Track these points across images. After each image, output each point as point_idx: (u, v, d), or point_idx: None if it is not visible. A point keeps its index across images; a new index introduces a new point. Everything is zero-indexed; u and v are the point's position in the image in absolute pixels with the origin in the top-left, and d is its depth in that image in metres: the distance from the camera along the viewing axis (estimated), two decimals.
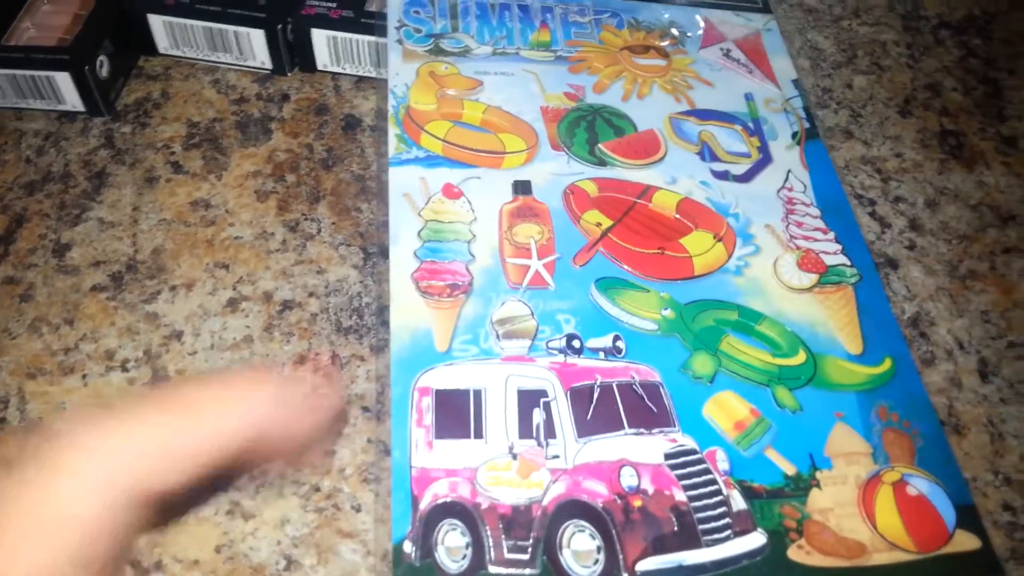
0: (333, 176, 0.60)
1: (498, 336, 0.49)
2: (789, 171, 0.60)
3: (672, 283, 0.53)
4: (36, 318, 0.53)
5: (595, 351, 0.49)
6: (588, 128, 0.61)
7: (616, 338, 0.50)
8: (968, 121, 0.68)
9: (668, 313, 0.51)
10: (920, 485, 0.46)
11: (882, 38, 0.74)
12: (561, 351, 0.49)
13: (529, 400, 0.47)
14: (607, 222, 0.55)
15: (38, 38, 0.62)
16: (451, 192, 0.55)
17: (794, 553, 0.43)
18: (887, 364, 0.51)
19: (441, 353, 0.48)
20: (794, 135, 0.62)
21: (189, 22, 0.63)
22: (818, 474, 0.46)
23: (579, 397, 0.47)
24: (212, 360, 0.52)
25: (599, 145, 0.60)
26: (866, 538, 0.44)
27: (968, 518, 0.46)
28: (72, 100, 0.61)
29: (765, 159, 0.61)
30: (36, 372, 0.51)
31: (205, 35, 0.63)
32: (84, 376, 0.51)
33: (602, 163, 0.59)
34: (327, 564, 0.45)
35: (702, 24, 0.70)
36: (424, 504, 0.44)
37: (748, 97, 0.65)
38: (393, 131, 0.58)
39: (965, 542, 0.45)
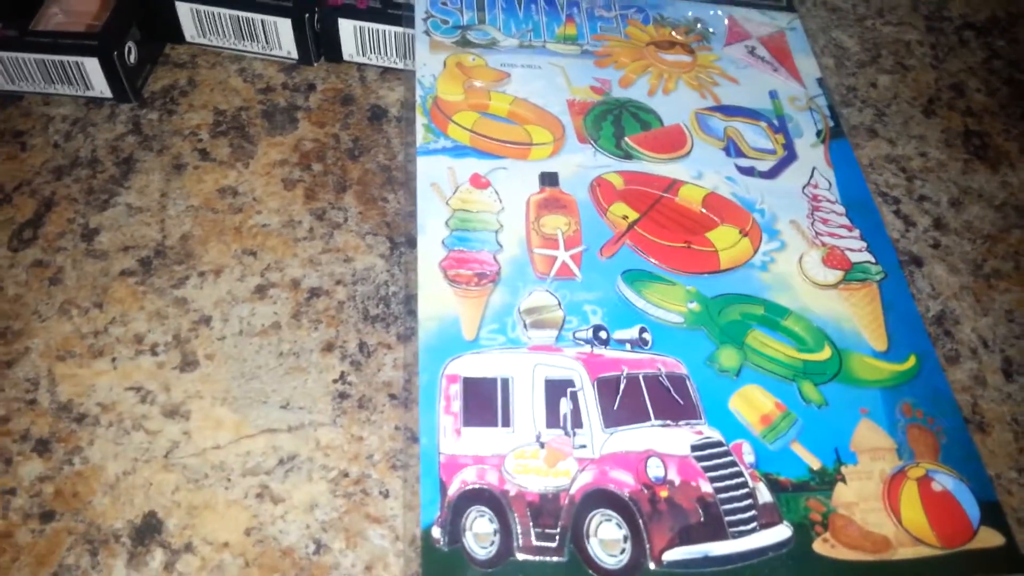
0: (359, 166, 0.60)
1: (525, 325, 0.50)
2: (814, 168, 0.60)
3: (698, 277, 0.53)
4: (65, 301, 0.53)
5: (621, 342, 0.50)
6: (614, 122, 0.61)
7: (642, 330, 0.50)
8: (992, 122, 0.68)
9: (694, 306, 0.52)
10: (945, 481, 0.46)
11: (906, 38, 0.74)
12: (588, 342, 0.49)
13: (556, 389, 0.47)
14: (633, 215, 0.56)
15: (66, 23, 0.62)
16: (478, 182, 0.56)
17: (819, 546, 0.44)
18: (912, 361, 0.51)
19: (469, 341, 0.49)
20: (819, 133, 0.62)
21: (216, 10, 0.63)
22: (843, 469, 0.46)
23: (606, 387, 0.47)
24: (241, 346, 0.52)
25: (625, 139, 0.60)
26: (891, 533, 0.44)
27: (992, 515, 0.46)
28: (100, 86, 0.61)
29: (790, 156, 0.61)
30: (66, 354, 0.51)
31: (232, 23, 0.63)
32: (114, 360, 0.51)
33: (628, 156, 0.59)
34: (356, 548, 0.45)
35: (726, 21, 0.70)
36: (452, 490, 0.44)
37: (773, 95, 0.65)
38: (421, 120, 0.59)
39: (989, 539, 0.45)
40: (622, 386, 0.47)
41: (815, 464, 0.46)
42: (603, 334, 0.50)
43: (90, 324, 0.52)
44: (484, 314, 0.50)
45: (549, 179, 0.57)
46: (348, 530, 0.45)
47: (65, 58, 0.59)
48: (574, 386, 0.47)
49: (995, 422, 0.52)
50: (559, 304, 0.51)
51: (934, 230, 0.61)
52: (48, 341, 0.51)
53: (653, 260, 0.54)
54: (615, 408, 0.46)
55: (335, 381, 0.51)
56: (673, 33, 0.68)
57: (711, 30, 0.69)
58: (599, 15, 0.68)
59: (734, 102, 0.64)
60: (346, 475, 0.47)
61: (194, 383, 0.50)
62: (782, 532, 0.44)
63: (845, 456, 0.47)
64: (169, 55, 0.66)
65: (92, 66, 0.59)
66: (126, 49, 0.60)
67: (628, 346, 0.49)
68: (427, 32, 0.64)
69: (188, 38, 0.66)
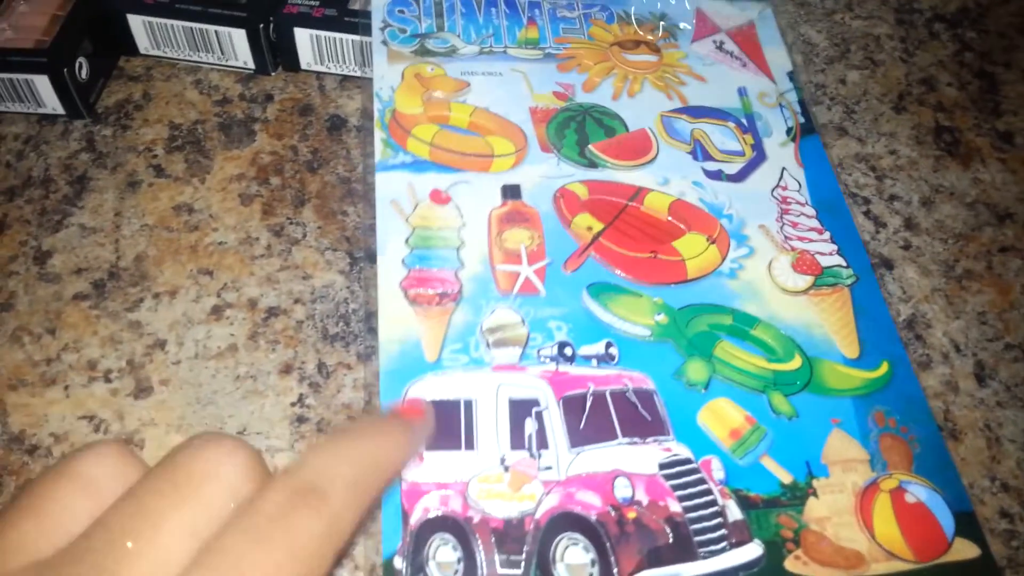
0: (318, 179, 0.59)
1: (488, 344, 0.48)
2: (784, 169, 0.59)
3: (665, 287, 0.52)
4: (17, 328, 0.52)
5: (587, 358, 0.48)
6: (578, 129, 0.60)
7: (609, 345, 0.49)
8: (963, 117, 0.68)
9: (661, 318, 0.51)
10: (918, 492, 0.46)
11: (876, 32, 0.73)
12: (553, 359, 0.48)
13: (521, 410, 0.46)
14: (598, 226, 0.54)
15: (15, 40, 0.60)
16: (439, 197, 0.54)
17: (791, 564, 0.43)
18: (884, 368, 0.50)
19: (431, 363, 0.47)
20: (789, 131, 0.61)
21: (169, 22, 0.62)
22: (815, 482, 0.45)
23: (572, 406, 0.46)
24: (196, 370, 0.51)
25: (589, 146, 0.59)
26: (864, 547, 0.44)
27: (967, 526, 0.45)
28: (51, 103, 0.59)
29: (759, 157, 0.60)
30: (18, 383, 0.50)
31: (186, 35, 0.62)
32: (66, 388, 0.50)
33: (593, 165, 0.58)
34: None
35: (693, 15, 0.69)
36: (415, 518, 0.43)
37: (741, 92, 0.64)
38: (379, 135, 0.57)
39: (964, 550, 0.44)
40: (588, 404, 0.46)
41: (786, 478, 0.45)
42: (568, 351, 0.48)
43: (42, 351, 0.51)
44: (446, 334, 0.49)
45: (511, 192, 0.55)
46: None
47: (14, 76, 0.58)
48: (539, 405, 0.46)
49: (967, 429, 0.52)
50: (523, 321, 0.50)
51: (905, 231, 0.60)
52: (0, 370, 0.50)
53: (619, 272, 0.52)
54: (581, 427, 0.45)
55: (293, 404, 0.49)
56: (638, 31, 0.67)
57: (678, 25, 0.68)
58: (561, 16, 0.67)
59: (702, 102, 0.63)
60: None
61: (148, 410, 0.49)
62: (753, 551, 0.43)
63: (816, 469, 0.46)
64: (124, 68, 0.65)
65: (42, 83, 0.58)
66: (77, 65, 0.59)
67: (594, 362, 0.48)
68: (384, 42, 0.63)
69: (142, 50, 0.64)
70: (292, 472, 0.28)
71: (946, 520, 0.45)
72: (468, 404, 0.46)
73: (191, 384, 0.50)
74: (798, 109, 0.63)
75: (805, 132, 0.62)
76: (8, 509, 0.28)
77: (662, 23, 0.68)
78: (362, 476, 0.30)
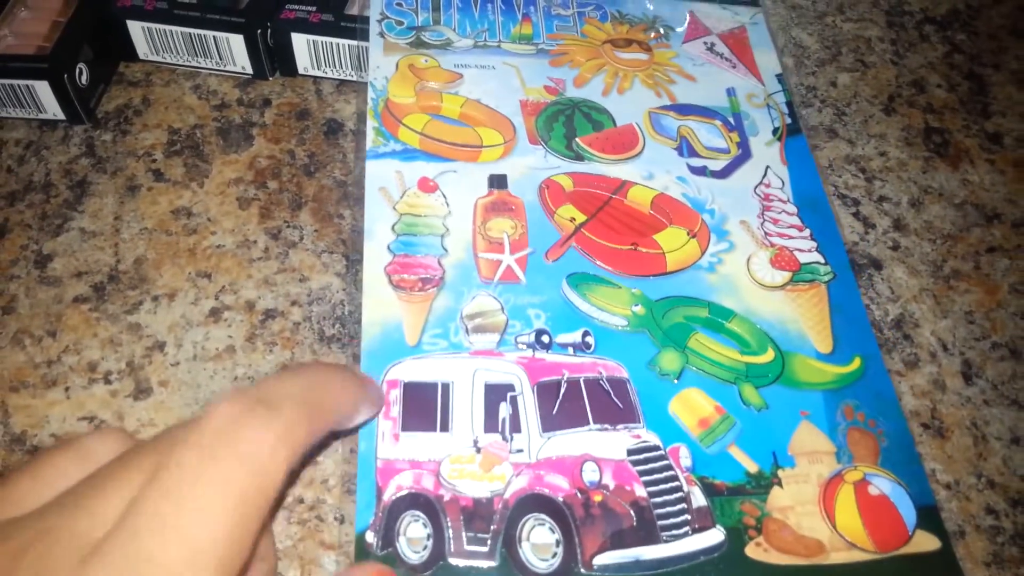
0: (315, 182, 0.60)
1: (467, 330, 0.49)
2: (768, 167, 0.60)
3: (644, 279, 0.53)
4: (19, 330, 0.53)
5: (564, 346, 0.49)
6: (566, 122, 0.61)
7: (585, 333, 0.50)
8: (953, 118, 0.68)
9: (638, 309, 0.51)
10: (882, 485, 0.46)
11: (867, 34, 0.74)
12: (530, 346, 0.49)
13: (496, 394, 0.47)
14: (581, 217, 0.55)
15: (16, 46, 0.62)
16: (426, 186, 0.56)
17: (752, 551, 0.43)
18: (856, 363, 0.51)
19: (411, 347, 0.49)
20: (775, 131, 0.62)
21: (168, 28, 0.63)
22: (780, 472, 0.46)
23: (546, 392, 0.47)
24: (195, 371, 0.52)
25: (576, 139, 0.60)
26: (825, 537, 0.44)
27: (929, 519, 0.46)
28: (52, 109, 0.61)
29: (744, 155, 0.61)
30: (19, 385, 0.51)
31: (185, 40, 0.64)
32: (67, 389, 0.51)
33: (579, 158, 0.59)
34: None
35: (687, 17, 0.70)
36: (388, 495, 0.44)
37: (730, 92, 0.65)
38: (372, 124, 0.59)
39: (924, 543, 0.45)
40: (562, 390, 0.47)
41: (752, 467, 0.46)
42: (545, 338, 0.49)
43: (43, 353, 0.52)
44: (427, 319, 0.50)
45: (498, 181, 0.57)
46: (303, 558, 0.45)
47: (15, 82, 0.59)
48: (514, 390, 0.47)
49: (954, 427, 0.52)
50: (502, 308, 0.51)
51: (894, 231, 0.61)
52: (1, 372, 0.51)
53: (599, 263, 0.53)
54: (554, 412, 0.46)
55: None
56: (630, 30, 0.68)
57: (671, 27, 0.69)
58: (556, 13, 0.68)
59: (690, 100, 0.64)
60: (301, 501, 0.47)
61: (147, 411, 0.50)
62: (715, 536, 0.44)
63: (783, 460, 0.46)
64: (123, 73, 0.66)
65: (43, 89, 0.60)
66: (77, 71, 0.60)
67: (571, 350, 0.49)
68: (381, 34, 0.64)
69: (141, 56, 0.66)
70: (242, 391, 0.30)
71: (908, 513, 0.45)
72: (445, 387, 0.47)
73: (190, 385, 0.51)
74: (786, 110, 0.64)
75: (791, 132, 0.62)
76: (14, 469, 0.30)
77: (654, 23, 0.69)
78: (312, 397, 0.31)
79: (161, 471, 0.27)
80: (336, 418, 0.36)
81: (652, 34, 0.68)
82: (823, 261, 0.55)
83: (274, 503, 0.29)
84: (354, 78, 0.66)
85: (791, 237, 0.56)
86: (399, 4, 0.66)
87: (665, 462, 0.45)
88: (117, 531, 0.26)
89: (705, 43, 0.68)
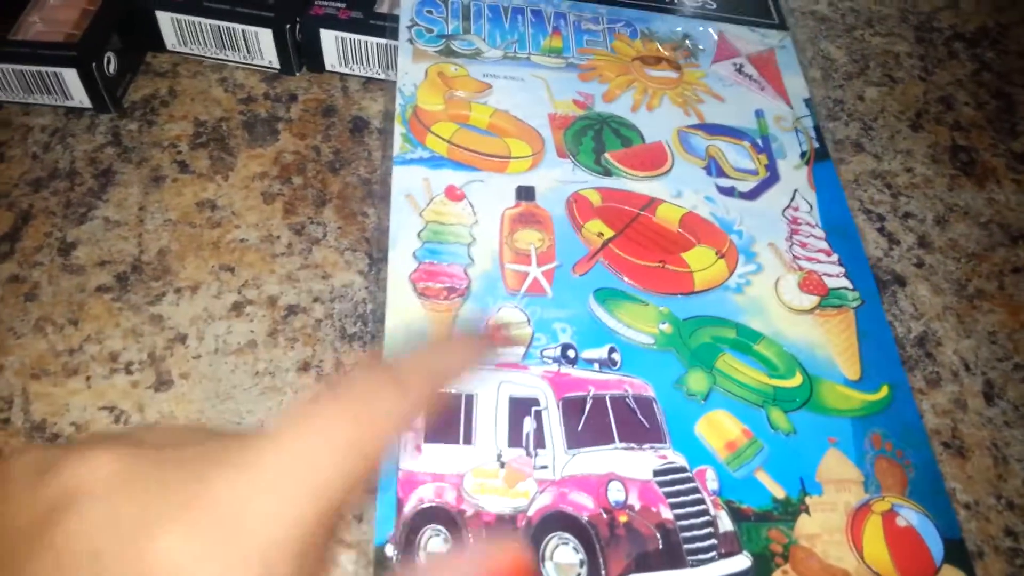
0: (340, 179, 0.60)
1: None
2: (796, 191, 0.60)
3: (671, 297, 0.53)
4: (41, 318, 0.53)
5: (590, 362, 0.49)
6: (595, 137, 0.60)
7: (612, 350, 0.50)
8: (980, 136, 0.68)
9: (666, 327, 0.51)
10: (910, 516, 0.46)
11: (895, 49, 0.74)
12: (555, 360, 0.49)
13: (520, 408, 0.47)
14: (609, 232, 0.55)
15: (45, 33, 0.61)
16: (453, 194, 0.55)
17: None
18: (884, 391, 0.51)
19: None
20: (803, 155, 0.62)
21: (197, 19, 0.63)
22: (807, 499, 0.46)
23: (571, 408, 0.47)
24: (216, 365, 0.52)
25: (605, 154, 0.60)
26: (852, 567, 0.44)
27: (956, 553, 0.45)
28: (79, 96, 0.61)
29: (772, 177, 0.60)
30: (41, 373, 0.51)
31: (213, 33, 0.63)
32: (88, 378, 0.51)
33: (607, 173, 0.59)
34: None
35: (716, 38, 0.69)
36: (408, 507, 0.44)
37: (758, 114, 0.64)
38: (399, 130, 0.58)
39: None
40: (587, 407, 0.47)
41: (779, 493, 0.46)
42: (571, 353, 0.49)
43: (65, 341, 0.52)
44: (452, 329, 0.50)
45: (525, 193, 0.56)
46: None
47: (44, 68, 0.59)
48: (539, 405, 0.47)
49: (975, 447, 0.52)
50: (528, 321, 0.50)
51: (918, 248, 0.61)
52: (23, 359, 0.51)
53: (626, 279, 0.53)
54: (579, 429, 0.46)
55: None
56: (660, 49, 0.68)
57: (700, 47, 0.69)
58: (586, 28, 0.68)
59: (719, 120, 0.63)
60: None
61: (168, 403, 0.50)
62: (741, 562, 0.44)
63: (810, 486, 0.46)
64: (151, 63, 0.66)
65: (71, 77, 0.59)
66: (105, 59, 0.60)
67: (596, 366, 0.49)
68: (411, 40, 0.64)
69: (169, 47, 0.65)
70: (383, 368, 0.30)
71: (935, 546, 0.45)
72: (469, 399, 0.47)
73: (210, 379, 0.51)
74: (813, 135, 0.63)
75: (819, 157, 0.62)
76: None
77: (685, 43, 0.68)
78: (432, 383, 0.31)
79: (302, 408, 0.28)
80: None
81: (682, 53, 0.68)
82: (851, 287, 0.55)
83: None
84: (381, 76, 0.65)
85: (819, 261, 0.56)
86: (429, 12, 0.66)
87: (692, 484, 0.45)
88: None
89: (734, 64, 0.68)
